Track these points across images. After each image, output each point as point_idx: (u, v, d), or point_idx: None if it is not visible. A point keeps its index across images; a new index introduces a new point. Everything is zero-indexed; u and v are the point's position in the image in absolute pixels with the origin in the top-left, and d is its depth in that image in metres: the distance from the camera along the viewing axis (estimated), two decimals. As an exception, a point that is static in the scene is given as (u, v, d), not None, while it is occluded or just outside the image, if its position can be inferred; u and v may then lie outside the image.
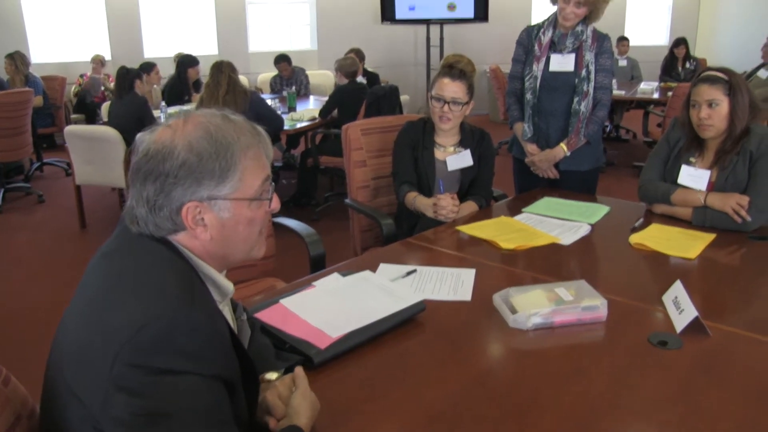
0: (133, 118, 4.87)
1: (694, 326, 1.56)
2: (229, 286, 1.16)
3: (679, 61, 8.50)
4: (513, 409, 1.28)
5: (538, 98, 2.94)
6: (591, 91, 2.87)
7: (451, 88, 2.66)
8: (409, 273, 1.95)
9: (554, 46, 2.91)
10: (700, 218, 2.36)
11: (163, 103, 5.57)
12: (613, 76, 2.96)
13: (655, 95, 7.04)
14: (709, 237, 2.25)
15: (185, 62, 6.38)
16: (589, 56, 2.85)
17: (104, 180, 4.99)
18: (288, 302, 1.64)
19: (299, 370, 1.22)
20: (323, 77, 8.81)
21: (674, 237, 2.26)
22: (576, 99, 2.86)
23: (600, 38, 2.89)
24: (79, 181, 5.04)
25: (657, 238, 2.24)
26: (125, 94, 5.03)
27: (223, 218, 1.10)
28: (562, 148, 2.92)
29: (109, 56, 8.15)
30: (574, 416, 1.26)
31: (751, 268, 2.14)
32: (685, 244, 2.18)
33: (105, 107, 5.77)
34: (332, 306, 1.64)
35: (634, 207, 2.67)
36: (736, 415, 1.27)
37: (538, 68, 2.91)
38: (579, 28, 2.85)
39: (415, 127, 2.82)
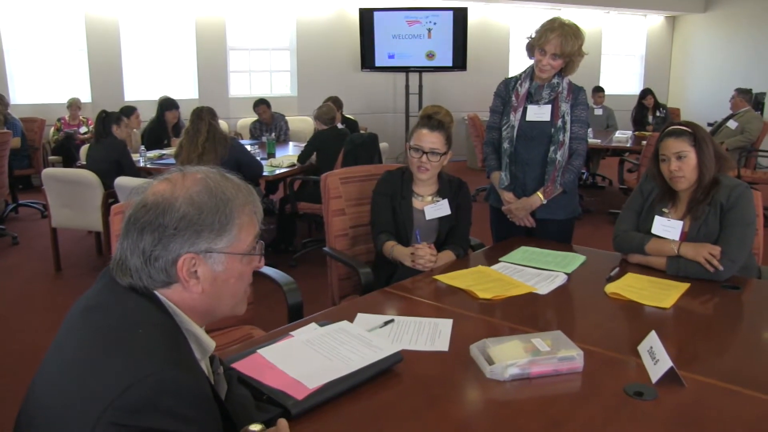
0: (111, 161, 4.87)
1: (669, 377, 1.58)
2: (211, 343, 1.16)
3: (649, 111, 8.72)
4: (490, 463, 1.28)
5: (515, 147, 2.99)
6: (567, 140, 2.93)
7: (430, 139, 2.70)
8: (386, 323, 1.95)
9: (531, 97, 2.98)
10: (674, 268, 2.40)
11: (143, 147, 5.57)
12: (588, 126, 3.03)
13: (629, 143, 7.19)
14: (684, 286, 2.28)
15: (163, 106, 6.42)
16: (564, 107, 2.92)
17: (81, 223, 4.95)
18: (265, 352, 1.63)
19: (282, 423, 1.22)
20: (303, 123, 8.89)
21: (649, 286, 2.29)
22: (552, 148, 2.92)
23: (575, 90, 2.97)
24: (55, 223, 4.99)
25: (632, 287, 2.27)
26: (104, 138, 5.02)
27: (216, 271, 1.12)
28: (539, 197, 2.97)
29: (89, 99, 8.17)
30: (552, 470, 1.26)
31: (724, 317, 2.16)
32: (660, 294, 2.21)
33: (84, 150, 5.76)
34: (310, 356, 1.63)
35: (609, 256, 2.70)
36: (711, 469, 1.27)
37: (515, 118, 2.97)
38: (555, 80, 2.93)
39: (394, 176, 2.85)
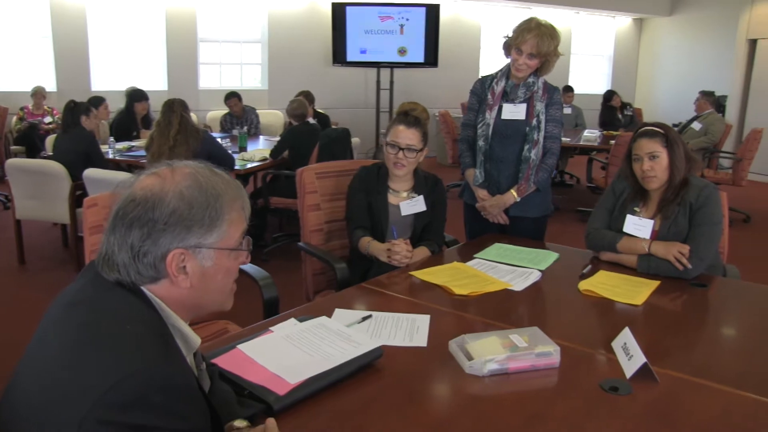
0: (79, 153, 4.78)
1: (643, 372, 1.62)
2: (196, 339, 1.15)
3: (617, 110, 8.87)
4: (472, 457, 1.30)
5: (490, 145, 3.02)
6: (541, 139, 2.97)
7: (406, 135, 2.71)
8: (364, 318, 1.96)
9: (506, 96, 3.01)
10: (645, 265, 2.45)
11: (112, 139, 5.48)
12: (562, 126, 3.07)
13: (598, 142, 7.30)
14: (654, 284, 2.34)
15: (133, 97, 6.31)
16: (539, 106, 2.95)
17: (47, 215, 4.86)
18: (246, 347, 1.62)
19: (271, 421, 1.22)
20: (273, 117, 8.84)
21: (621, 284, 2.34)
22: (526, 147, 2.96)
23: (550, 90, 3.01)
24: (20, 215, 4.89)
25: (604, 284, 2.31)
26: (72, 129, 4.93)
27: (204, 267, 1.11)
28: (513, 194, 3.00)
29: (55, 88, 8.00)
30: (532, 464, 1.28)
31: (692, 314, 2.22)
32: (632, 291, 2.26)
33: (50, 141, 5.65)
34: (290, 351, 1.63)
35: (581, 254, 2.75)
36: (685, 462, 1.31)
37: (490, 116, 3.00)
38: (531, 80, 2.96)
39: (369, 172, 2.86)
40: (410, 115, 2.78)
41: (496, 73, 3.09)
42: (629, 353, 1.70)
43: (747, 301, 2.38)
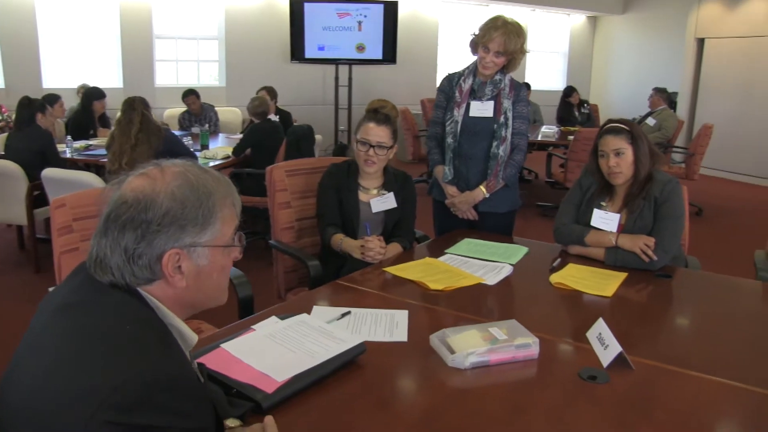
0: (34, 152, 4.66)
1: (619, 361, 1.67)
2: (193, 336, 1.15)
3: (574, 107, 9.03)
4: (461, 448, 1.32)
5: (459, 142, 3.05)
6: (508, 136, 3.01)
7: (377, 133, 2.72)
8: (343, 315, 1.97)
9: (474, 94, 3.05)
10: (612, 258, 2.52)
11: (69, 138, 5.35)
12: (529, 122, 3.13)
13: (555, 138, 7.43)
14: (622, 276, 2.40)
15: (91, 95, 6.17)
16: (507, 104, 3.00)
17: (2, 217, 4.72)
18: (229, 346, 1.62)
19: (269, 419, 1.22)
20: (232, 114, 8.74)
21: (590, 276, 2.40)
22: (494, 143, 3.00)
23: (517, 87, 3.06)
24: (-28, 217, 4.74)
25: (575, 277, 2.37)
26: (26, 127, 4.80)
27: (200, 265, 1.11)
28: (482, 190, 3.04)
29: (2, 84, 7.75)
30: (520, 453, 1.32)
31: (659, 304, 2.30)
32: (601, 283, 2.32)
33: (1, 139, 5.48)
34: (274, 349, 1.63)
35: (549, 247, 2.81)
36: (665, 446, 1.36)
37: (459, 114, 3.04)
38: (497, 77, 3.01)
39: (340, 169, 2.87)
40: (380, 113, 2.79)
41: (464, 71, 3.13)
42: (604, 343, 1.75)
43: (709, 291, 2.47)
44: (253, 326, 1.76)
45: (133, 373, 0.93)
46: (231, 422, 1.24)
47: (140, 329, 1.02)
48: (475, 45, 3.02)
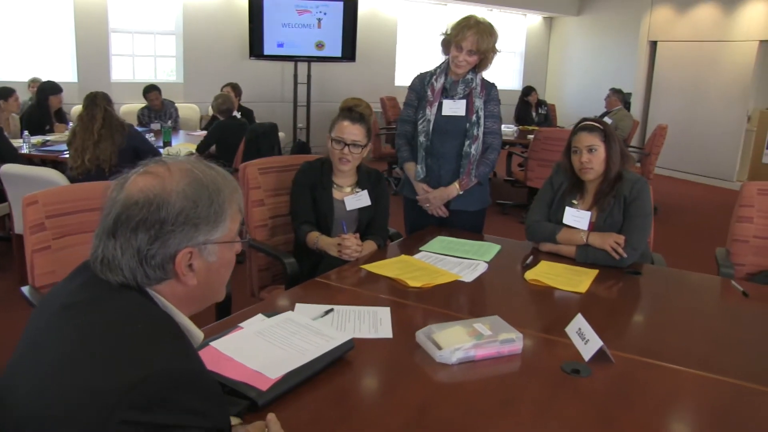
0: (-13, 148, 4.51)
1: (600, 355, 1.72)
2: (200, 334, 1.14)
3: (532, 108, 9.18)
4: (456, 441, 1.35)
5: (431, 141, 3.08)
6: (480, 135, 3.06)
7: (351, 131, 2.74)
8: (327, 312, 1.98)
9: (446, 92, 3.08)
10: (583, 256, 2.59)
11: (26, 133, 5.19)
12: (500, 121, 3.18)
13: (515, 137, 7.54)
14: (593, 272, 2.47)
15: (47, 89, 5.99)
16: (479, 103, 3.04)
17: (-46, 215, 4.57)
18: (219, 345, 1.61)
19: (272, 416, 1.22)
20: (190, 111, 8.61)
21: (563, 273, 2.46)
22: (467, 142, 3.04)
23: (488, 86, 3.10)
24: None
25: (548, 274, 2.43)
26: (-21, 122, 4.65)
27: (209, 262, 1.11)
28: (456, 187, 3.08)
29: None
30: (513, 445, 1.35)
31: (632, 300, 2.38)
32: (574, 280, 2.38)
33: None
34: (264, 347, 1.63)
35: (520, 245, 2.87)
36: (649, 435, 1.42)
37: (431, 112, 3.07)
38: (469, 76, 3.05)
39: (313, 167, 2.87)
40: (355, 111, 2.81)
41: (435, 70, 3.16)
42: (585, 337, 1.80)
43: (676, 287, 2.56)
44: (240, 324, 1.76)
45: (152, 370, 0.92)
46: (232, 420, 1.24)
47: (155, 327, 1.01)
48: (448, 44, 3.05)
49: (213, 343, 1.62)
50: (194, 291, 1.11)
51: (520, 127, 8.30)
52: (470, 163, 3.06)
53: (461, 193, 3.10)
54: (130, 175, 1.11)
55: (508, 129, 7.82)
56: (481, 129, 3.06)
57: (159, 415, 0.91)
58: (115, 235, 1.05)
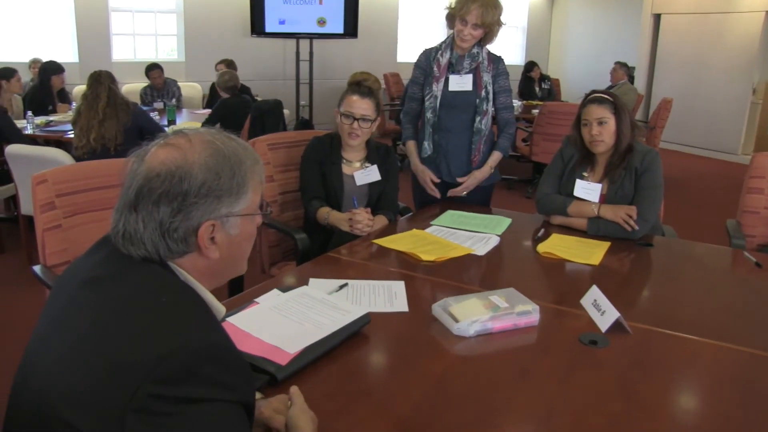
0: (-10, 128, 4.49)
1: (617, 326, 1.72)
2: (221, 308, 1.13)
3: (535, 83, 9.12)
4: (477, 413, 1.35)
5: (439, 116, 3.06)
6: (490, 109, 3.04)
7: (360, 105, 2.72)
8: (341, 287, 1.98)
9: (452, 67, 3.05)
10: (594, 228, 2.58)
11: (30, 113, 5.16)
12: (512, 95, 3.16)
13: (519, 111, 7.49)
14: (605, 245, 2.47)
15: (49, 69, 5.95)
16: (486, 77, 3.01)
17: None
18: (235, 320, 1.62)
19: (294, 388, 1.22)
20: (192, 89, 8.56)
21: (575, 245, 2.45)
22: (477, 118, 3.02)
23: (495, 60, 3.07)
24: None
25: (561, 246, 2.42)
26: (-18, 103, 4.63)
27: (231, 235, 1.09)
28: (489, 166, 3.08)
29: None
30: (534, 416, 1.36)
31: (645, 271, 2.38)
32: (587, 252, 2.38)
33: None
34: (281, 322, 1.63)
35: (530, 218, 2.86)
36: (669, 403, 1.42)
37: (437, 88, 3.04)
38: (475, 50, 3.01)
39: (322, 142, 2.85)
40: (363, 86, 2.78)
41: (440, 45, 3.12)
42: (601, 309, 1.80)
43: (688, 258, 2.55)
44: (256, 299, 1.76)
45: (180, 342, 0.92)
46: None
47: (179, 300, 1.00)
48: (452, 18, 3.01)
49: (229, 319, 1.62)
50: (216, 264, 1.10)
51: (524, 102, 8.24)
52: (480, 139, 3.04)
53: (492, 171, 3.09)
54: (150, 147, 1.09)
55: (514, 104, 7.76)
56: (491, 104, 3.04)
57: (186, 388, 0.90)
58: (136, 209, 1.04)
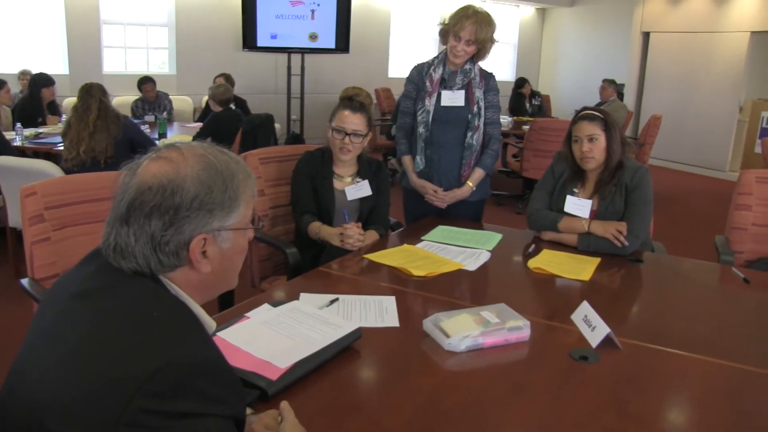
0: (-20, 140, 4.46)
1: (607, 341, 1.72)
2: (212, 323, 1.13)
3: (526, 99, 9.17)
4: (468, 429, 1.35)
5: (431, 131, 3.07)
6: (481, 125, 3.05)
7: (352, 120, 2.73)
8: (332, 302, 1.97)
9: (445, 83, 3.07)
10: (585, 243, 2.59)
11: (19, 125, 5.14)
12: (500, 111, 3.17)
13: (510, 128, 7.53)
14: (596, 260, 2.48)
15: (39, 82, 5.93)
16: (478, 93, 3.03)
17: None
18: (226, 335, 1.61)
19: (285, 404, 1.22)
20: (183, 103, 8.56)
21: (566, 261, 2.46)
22: (469, 134, 3.03)
23: (486, 76, 3.09)
24: None
25: (552, 262, 2.43)
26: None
27: (223, 249, 1.09)
28: (469, 185, 3.07)
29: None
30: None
31: (635, 287, 2.39)
32: (577, 268, 2.38)
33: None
34: (272, 337, 1.63)
35: (521, 234, 2.87)
36: (660, 418, 1.43)
37: (430, 103, 3.05)
38: (467, 66, 3.03)
39: (314, 157, 2.86)
40: (355, 101, 2.80)
41: (433, 61, 3.14)
42: (591, 324, 1.80)
43: (678, 274, 2.57)
44: (246, 314, 1.75)
45: (172, 356, 0.91)
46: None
47: (171, 315, 1.00)
48: (446, 33, 3.03)
49: (220, 333, 1.61)
50: (208, 278, 1.09)
51: (515, 118, 8.29)
52: (471, 155, 3.05)
53: (474, 189, 3.08)
54: (143, 160, 1.08)
55: (503, 120, 7.77)
56: (482, 119, 3.05)
57: (178, 402, 0.90)
58: (128, 222, 1.03)
